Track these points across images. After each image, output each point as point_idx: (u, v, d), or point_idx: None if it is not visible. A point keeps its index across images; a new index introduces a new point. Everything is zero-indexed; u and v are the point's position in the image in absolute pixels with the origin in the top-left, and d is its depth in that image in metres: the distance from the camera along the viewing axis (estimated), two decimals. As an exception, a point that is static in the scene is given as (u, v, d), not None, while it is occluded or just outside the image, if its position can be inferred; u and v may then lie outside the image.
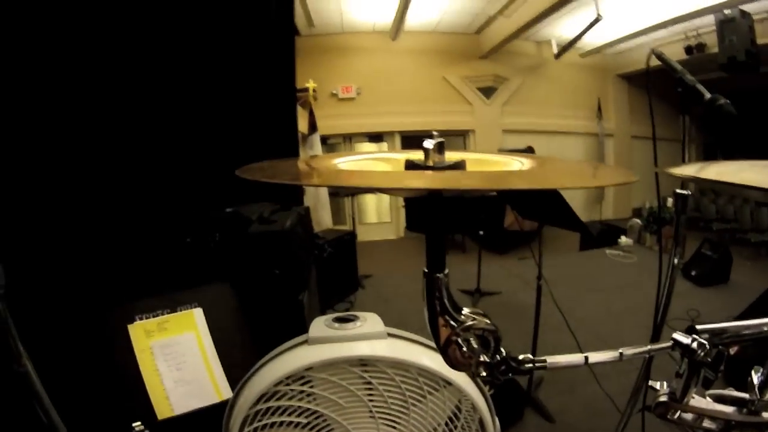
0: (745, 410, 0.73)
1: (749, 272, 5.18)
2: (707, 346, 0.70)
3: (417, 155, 0.66)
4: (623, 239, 6.13)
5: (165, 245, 1.82)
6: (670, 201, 5.27)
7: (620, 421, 1.76)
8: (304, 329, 1.04)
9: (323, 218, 4.84)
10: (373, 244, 6.83)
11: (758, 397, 0.73)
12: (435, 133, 0.61)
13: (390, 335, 1.02)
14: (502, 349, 0.68)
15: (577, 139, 9.13)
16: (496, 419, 1.07)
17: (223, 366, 1.46)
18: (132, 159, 1.88)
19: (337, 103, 7.98)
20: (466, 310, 0.67)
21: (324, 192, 4.84)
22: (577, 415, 2.66)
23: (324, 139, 7.18)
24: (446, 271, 0.64)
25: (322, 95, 7.59)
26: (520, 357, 0.68)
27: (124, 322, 1.30)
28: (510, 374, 0.67)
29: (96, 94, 1.78)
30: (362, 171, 0.66)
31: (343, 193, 4.73)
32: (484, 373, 0.66)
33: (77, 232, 1.67)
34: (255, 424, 1.31)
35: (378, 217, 7.15)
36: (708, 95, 1.35)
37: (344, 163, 0.73)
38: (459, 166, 0.59)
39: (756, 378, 0.74)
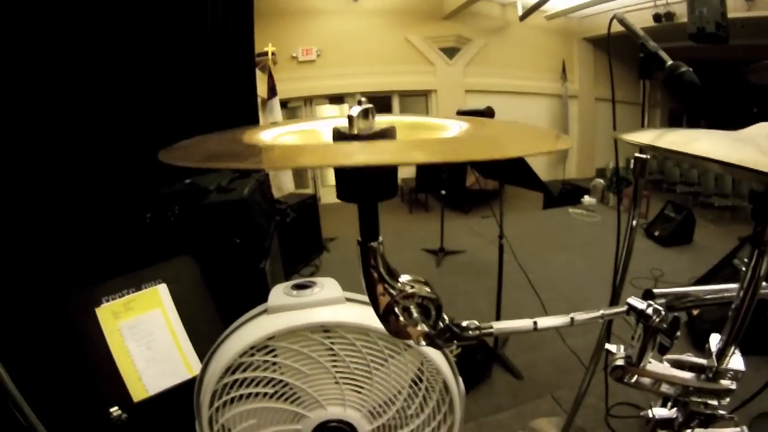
0: (702, 376, 0.75)
1: (712, 234, 5.35)
2: (662, 312, 0.70)
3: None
4: (586, 199, 6.24)
5: (125, 223, 1.75)
6: (631, 162, 5.44)
7: (583, 379, 1.82)
8: (268, 297, 1.03)
9: (285, 183, 4.77)
10: (336, 206, 6.75)
11: (716, 364, 0.74)
12: (362, 99, 0.58)
13: (348, 300, 1.02)
14: (445, 316, 0.67)
15: (540, 100, 9.18)
16: (460, 380, 1.09)
17: (191, 341, 1.45)
18: (86, 134, 1.77)
19: (298, 66, 7.79)
20: (404, 278, 0.65)
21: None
22: (544, 371, 2.75)
23: (284, 103, 7.02)
24: (380, 239, 0.62)
25: (282, 58, 7.38)
26: (464, 323, 0.67)
27: (92, 306, 1.27)
28: (454, 341, 0.67)
29: (44, 66, 1.66)
30: (289, 147, 0.61)
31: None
32: (424, 342, 0.65)
33: (34, 216, 1.59)
34: (224, 398, 1.31)
35: (341, 179, 7.13)
36: (670, 62, 1.34)
37: (272, 137, 0.69)
38: (388, 134, 0.56)
39: (714, 345, 0.76)
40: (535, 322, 0.70)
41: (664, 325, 0.71)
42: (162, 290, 1.46)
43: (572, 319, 0.72)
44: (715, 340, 0.76)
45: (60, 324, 1.41)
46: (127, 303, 1.36)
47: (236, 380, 1.29)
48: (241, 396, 1.31)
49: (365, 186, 0.57)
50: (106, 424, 1.19)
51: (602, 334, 1.81)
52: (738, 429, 0.75)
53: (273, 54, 6.64)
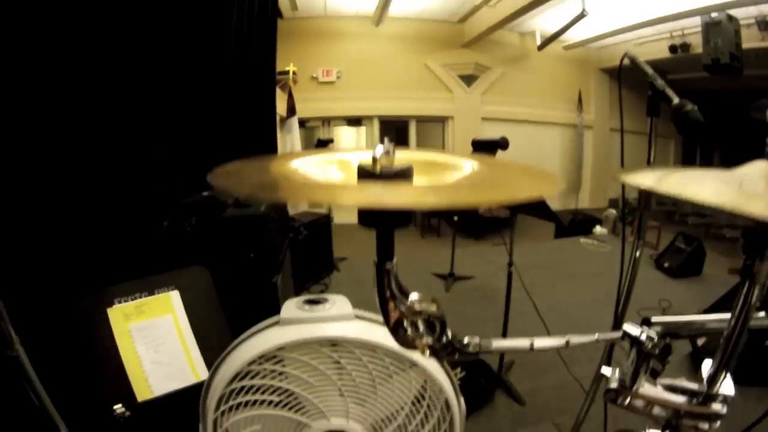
0: (694, 400, 0.78)
1: (722, 267, 5.27)
2: (655, 339, 0.74)
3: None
4: (598, 229, 6.21)
5: (142, 230, 1.82)
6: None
7: (582, 405, 1.84)
8: (278, 311, 1.07)
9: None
10: (348, 226, 6.85)
11: (707, 388, 0.77)
12: (386, 140, 0.64)
13: (357, 317, 1.06)
14: (449, 332, 0.71)
15: (555, 130, 9.24)
16: (462, 400, 1.12)
17: (199, 348, 1.48)
18: (109, 144, 1.86)
19: (317, 87, 7.94)
20: (414, 296, 0.70)
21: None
22: (546, 397, 2.74)
23: (302, 122, 7.13)
24: (395, 260, 0.68)
25: (303, 78, 7.54)
26: (465, 339, 0.72)
27: (104, 307, 1.31)
28: (456, 355, 0.72)
29: (67, 77, 1.75)
30: (328, 185, 0.68)
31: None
32: (427, 353, 0.71)
33: (55, 219, 1.66)
34: (230, 402, 1.35)
35: (355, 201, 7.17)
36: (676, 100, 1.35)
37: (301, 165, 0.76)
38: (406, 173, 0.63)
39: (706, 370, 0.79)
40: (531, 342, 0.74)
41: (656, 351, 0.75)
42: (174, 297, 1.49)
43: (567, 341, 0.76)
44: (707, 366, 0.78)
45: (72, 321, 1.46)
46: (139, 306, 1.40)
47: (244, 387, 1.33)
48: (247, 402, 1.34)
49: (385, 216, 0.64)
50: (109, 421, 1.22)
51: (603, 360, 1.82)
52: None
53: (294, 73, 6.79)
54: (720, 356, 0.75)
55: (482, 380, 2.66)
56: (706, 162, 5.39)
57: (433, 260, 5.27)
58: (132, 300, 1.39)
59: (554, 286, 4.54)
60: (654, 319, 0.89)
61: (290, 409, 1.09)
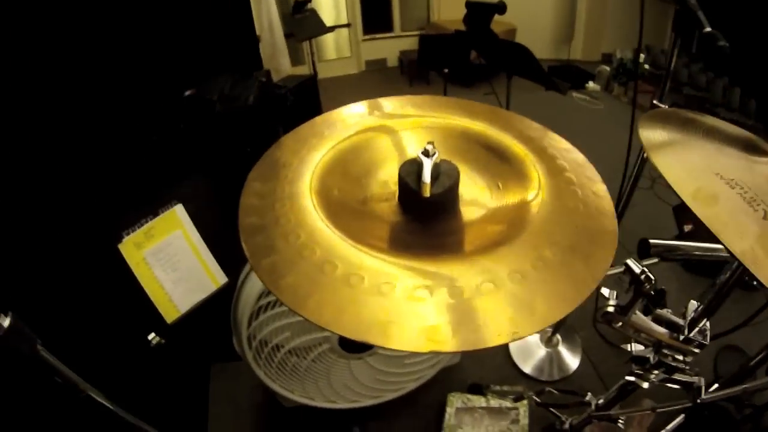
0: (675, 334, 0.87)
1: None
2: (653, 281, 0.81)
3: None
4: (591, 84, 5.98)
5: (132, 149, 1.75)
6: (642, 56, 5.03)
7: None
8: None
9: (282, 65, 4.54)
10: (334, 80, 6.60)
11: (686, 333, 0.85)
12: (429, 147, 0.60)
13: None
14: None
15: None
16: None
17: (212, 253, 1.53)
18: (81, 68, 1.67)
19: None
20: None
21: (280, 37, 4.48)
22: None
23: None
24: None
25: None
26: None
27: (113, 245, 1.30)
28: None
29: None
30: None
31: (299, 37, 4.38)
32: None
33: (40, 163, 1.57)
34: (260, 318, 1.47)
35: (338, 53, 6.77)
36: (708, 28, 1.20)
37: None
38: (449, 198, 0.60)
39: (690, 311, 0.87)
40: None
41: (652, 293, 0.83)
42: (179, 211, 1.48)
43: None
44: (693, 307, 0.87)
45: (86, 263, 1.48)
46: (147, 231, 1.38)
47: (269, 302, 1.45)
48: (276, 315, 1.47)
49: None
50: (147, 352, 1.31)
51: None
52: (696, 378, 0.90)
53: None
54: (706, 303, 0.83)
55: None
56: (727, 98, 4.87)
57: (424, 111, 5.17)
58: (139, 227, 1.38)
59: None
60: (652, 241, 0.97)
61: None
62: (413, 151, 0.74)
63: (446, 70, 4.70)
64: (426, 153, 0.62)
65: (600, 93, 5.87)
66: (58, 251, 1.50)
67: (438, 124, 0.84)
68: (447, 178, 0.65)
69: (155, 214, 1.42)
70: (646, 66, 5.09)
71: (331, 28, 4.72)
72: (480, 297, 0.54)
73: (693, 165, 0.68)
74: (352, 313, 0.53)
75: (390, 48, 6.85)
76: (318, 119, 0.87)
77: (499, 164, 0.77)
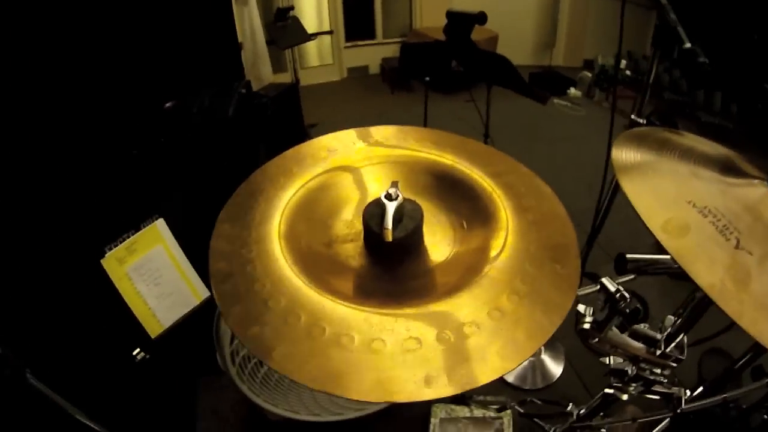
0: (652, 349, 0.88)
1: None
2: (628, 299, 0.81)
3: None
4: (572, 90, 6.01)
5: (114, 164, 1.72)
6: (623, 62, 5.10)
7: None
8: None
9: (264, 72, 4.51)
10: (316, 87, 6.61)
11: (663, 348, 0.86)
12: (392, 191, 0.61)
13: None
14: None
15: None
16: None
17: (194, 267, 1.51)
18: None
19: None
20: None
21: (262, 44, 4.46)
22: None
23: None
24: None
25: None
26: None
27: (95, 260, 1.29)
28: None
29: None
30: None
31: (282, 44, 4.38)
32: None
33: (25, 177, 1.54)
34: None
35: (320, 60, 6.77)
36: (688, 44, 1.21)
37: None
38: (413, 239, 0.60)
39: (668, 324, 0.88)
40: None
41: (627, 311, 0.84)
42: (160, 225, 1.47)
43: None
44: (669, 322, 0.89)
45: (69, 280, 1.45)
46: (129, 246, 1.38)
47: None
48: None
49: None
50: (133, 367, 1.30)
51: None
52: (676, 389, 0.92)
53: None
54: (683, 318, 0.84)
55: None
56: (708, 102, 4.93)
57: (405, 118, 5.20)
58: (121, 242, 1.37)
59: (528, 147, 4.50)
60: (629, 256, 0.98)
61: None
62: (379, 189, 0.75)
63: (427, 78, 4.75)
64: (389, 197, 0.63)
65: (581, 99, 5.92)
66: (40, 268, 1.48)
67: (404, 157, 0.85)
68: (410, 220, 0.66)
69: (137, 229, 1.42)
70: (627, 72, 5.16)
71: (314, 36, 4.73)
72: (439, 345, 0.56)
73: (665, 193, 0.69)
74: (313, 364, 0.55)
75: (372, 55, 6.88)
76: (289, 153, 0.89)
77: (464, 201, 0.78)
